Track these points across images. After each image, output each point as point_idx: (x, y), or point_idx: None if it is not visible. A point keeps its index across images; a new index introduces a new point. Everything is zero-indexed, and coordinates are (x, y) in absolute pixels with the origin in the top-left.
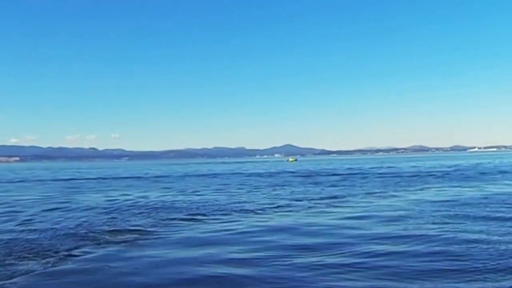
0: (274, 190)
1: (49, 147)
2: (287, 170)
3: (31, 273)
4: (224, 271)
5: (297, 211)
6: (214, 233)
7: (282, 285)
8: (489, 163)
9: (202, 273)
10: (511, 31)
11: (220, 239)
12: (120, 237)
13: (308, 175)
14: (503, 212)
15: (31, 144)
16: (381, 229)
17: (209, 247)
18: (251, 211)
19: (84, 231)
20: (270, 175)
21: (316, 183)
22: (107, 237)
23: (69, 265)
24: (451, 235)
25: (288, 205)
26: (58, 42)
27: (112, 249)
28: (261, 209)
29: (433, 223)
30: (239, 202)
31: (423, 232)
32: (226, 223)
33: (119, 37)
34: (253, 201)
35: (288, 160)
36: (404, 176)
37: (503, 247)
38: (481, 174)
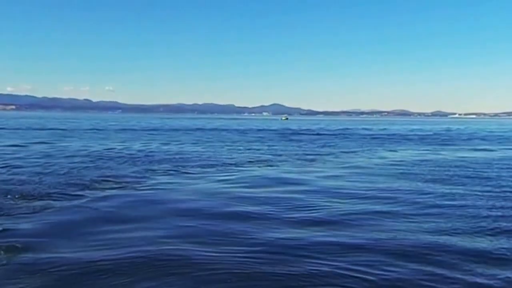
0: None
1: (44, 97)
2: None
3: (19, 214)
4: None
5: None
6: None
7: None
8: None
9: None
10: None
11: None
12: (104, 185)
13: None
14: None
15: (26, 93)
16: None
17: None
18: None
19: (70, 176)
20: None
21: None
22: (93, 184)
23: (52, 208)
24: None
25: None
26: None
27: (99, 194)
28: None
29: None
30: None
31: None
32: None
33: None
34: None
35: (281, 119)
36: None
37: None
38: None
